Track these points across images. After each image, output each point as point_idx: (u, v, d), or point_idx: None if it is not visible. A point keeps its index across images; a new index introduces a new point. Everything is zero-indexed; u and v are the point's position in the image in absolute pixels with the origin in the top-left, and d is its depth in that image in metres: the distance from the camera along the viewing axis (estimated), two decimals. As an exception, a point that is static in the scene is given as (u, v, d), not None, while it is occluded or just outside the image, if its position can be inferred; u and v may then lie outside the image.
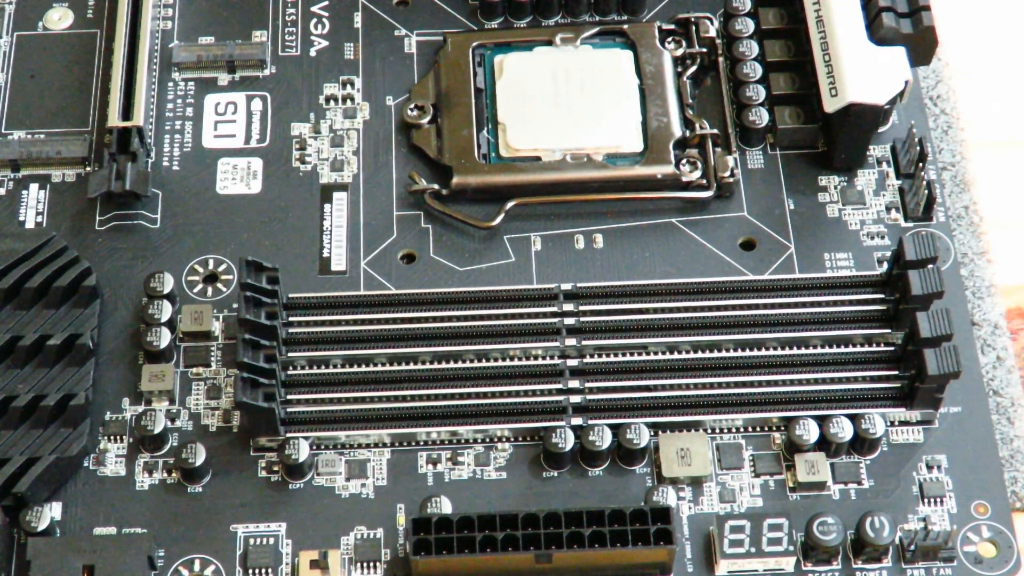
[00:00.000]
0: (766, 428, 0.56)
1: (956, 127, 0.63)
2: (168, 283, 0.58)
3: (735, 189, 0.61)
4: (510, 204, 0.60)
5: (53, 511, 0.54)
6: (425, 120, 0.62)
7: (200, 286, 0.59)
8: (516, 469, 0.55)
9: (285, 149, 0.62)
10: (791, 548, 0.52)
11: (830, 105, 0.59)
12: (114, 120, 0.61)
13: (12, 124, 0.63)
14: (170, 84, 0.64)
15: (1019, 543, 0.54)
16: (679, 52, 0.63)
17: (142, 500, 0.55)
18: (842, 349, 0.56)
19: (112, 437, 0.56)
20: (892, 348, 0.56)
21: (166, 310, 0.57)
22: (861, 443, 0.55)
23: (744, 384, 0.56)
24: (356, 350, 0.56)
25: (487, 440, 0.56)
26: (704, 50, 0.63)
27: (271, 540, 0.54)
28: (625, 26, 0.64)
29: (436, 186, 0.60)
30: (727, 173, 0.60)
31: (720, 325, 0.56)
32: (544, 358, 0.56)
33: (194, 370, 0.57)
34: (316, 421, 0.55)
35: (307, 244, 0.60)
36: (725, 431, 0.56)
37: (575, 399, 0.55)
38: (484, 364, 0.56)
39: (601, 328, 0.56)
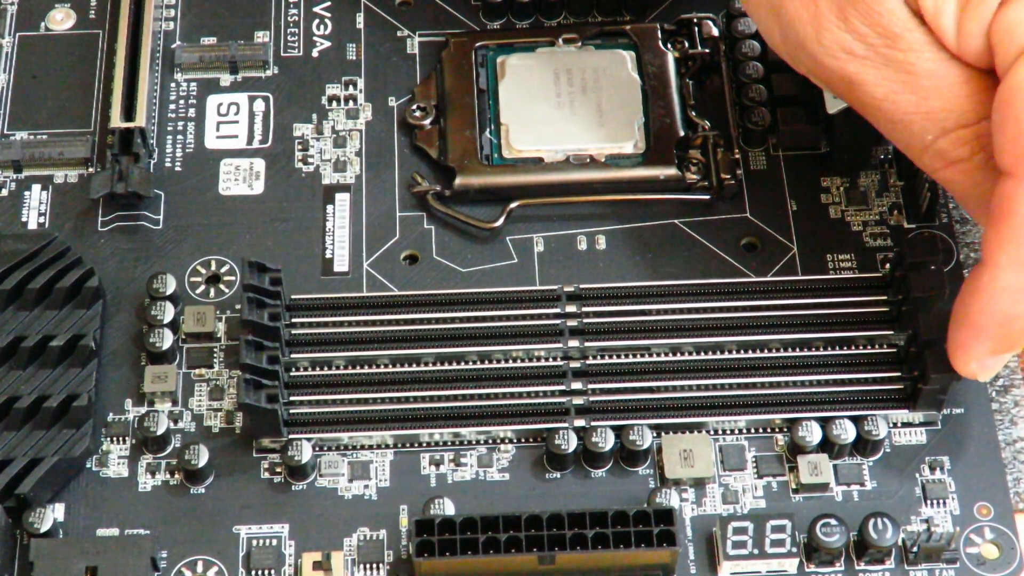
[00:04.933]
0: (769, 430, 0.56)
1: (959, 128, 0.63)
2: (171, 284, 0.58)
3: (738, 190, 0.61)
4: (513, 205, 0.60)
5: (56, 512, 0.54)
6: (428, 121, 0.62)
7: (203, 287, 0.59)
8: (519, 470, 0.55)
9: (287, 150, 0.62)
10: (794, 550, 0.52)
11: (832, 106, 0.59)
12: (116, 121, 0.61)
13: (14, 125, 0.63)
14: (172, 85, 0.64)
15: (1022, 544, 0.54)
16: (681, 53, 0.63)
17: (145, 501, 0.55)
18: (845, 351, 0.56)
19: (115, 438, 0.56)
20: (895, 350, 0.56)
21: (169, 311, 0.57)
22: (864, 444, 0.55)
23: (747, 386, 0.56)
24: (359, 351, 0.56)
25: (490, 441, 0.56)
26: (707, 51, 0.63)
27: (274, 541, 0.54)
28: (627, 27, 0.64)
29: (439, 187, 0.60)
30: (729, 174, 0.60)
31: (723, 327, 0.56)
32: (547, 359, 0.56)
33: (197, 371, 0.57)
34: (319, 423, 0.55)
35: (310, 245, 0.60)
36: (728, 432, 0.56)
37: (578, 401, 0.55)
38: (487, 366, 0.56)
39: (604, 330, 0.56)
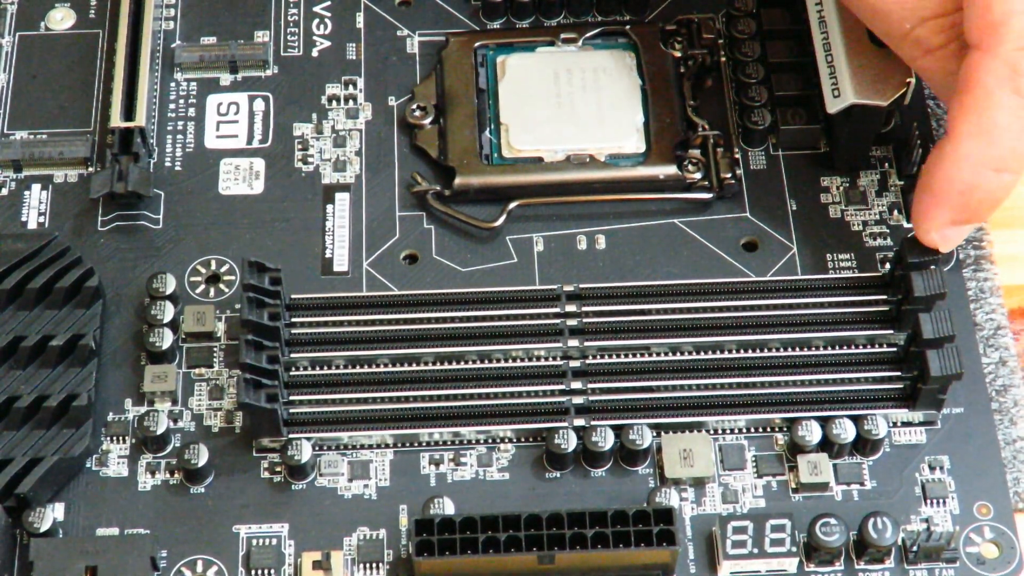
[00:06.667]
0: (768, 429, 0.56)
1: (958, 128, 0.63)
2: (170, 284, 0.58)
3: (737, 190, 0.61)
4: (512, 205, 0.60)
5: (56, 512, 0.54)
6: (427, 121, 0.62)
7: (202, 287, 0.59)
8: (519, 470, 0.55)
9: (287, 149, 0.62)
10: (794, 549, 0.52)
11: (832, 106, 0.59)
12: (116, 120, 0.61)
13: (14, 124, 0.63)
14: (172, 84, 0.64)
15: (1022, 544, 0.54)
16: (681, 53, 0.63)
17: (144, 501, 0.55)
18: (845, 350, 0.56)
19: (114, 438, 0.56)
20: (895, 349, 0.56)
21: (168, 311, 0.57)
22: (864, 444, 0.55)
23: (747, 385, 0.56)
24: (359, 351, 0.56)
25: (490, 441, 0.56)
26: (706, 51, 0.63)
27: (273, 541, 0.54)
28: (628, 27, 0.64)
29: (438, 187, 0.60)
30: (729, 174, 0.60)
31: (723, 326, 0.56)
32: (547, 359, 0.56)
33: (196, 371, 0.57)
34: (318, 422, 0.55)
35: (309, 245, 0.60)
36: (728, 432, 0.56)
37: (578, 400, 0.55)
38: (486, 365, 0.56)
39: (603, 329, 0.56)
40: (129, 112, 0.61)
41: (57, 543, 0.52)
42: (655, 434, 0.55)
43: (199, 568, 0.53)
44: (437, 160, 0.61)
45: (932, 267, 0.55)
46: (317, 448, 0.55)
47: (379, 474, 0.55)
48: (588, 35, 0.64)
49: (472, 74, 0.63)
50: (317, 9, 0.66)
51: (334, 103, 0.63)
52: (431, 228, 0.60)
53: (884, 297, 0.57)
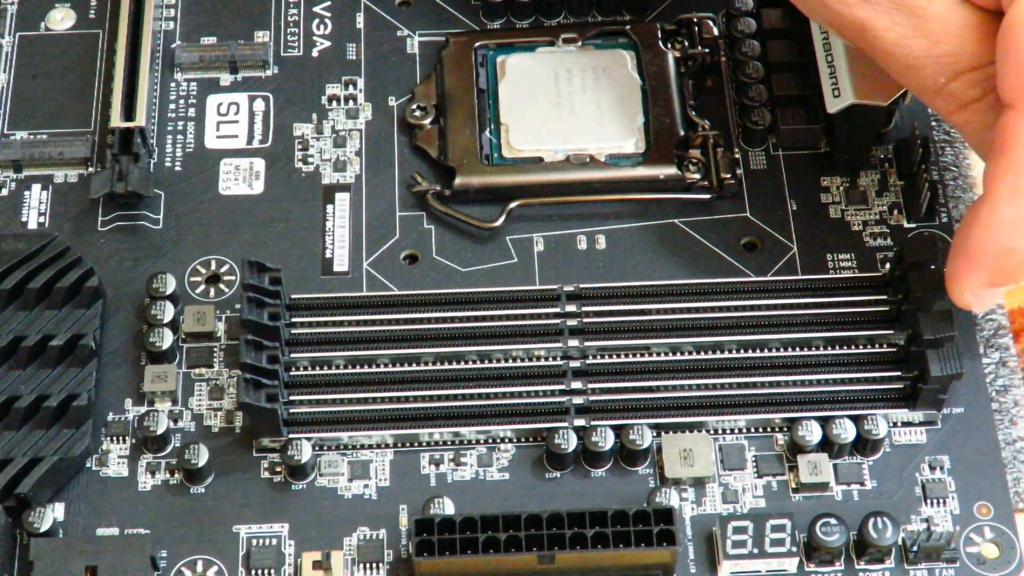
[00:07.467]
0: (769, 429, 0.56)
1: (958, 128, 0.63)
2: (170, 284, 0.58)
3: (737, 190, 0.61)
4: (512, 205, 0.60)
5: (56, 512, 0.54)
6: (427, 121, 0.62)
7: (202, 287, 0.59)
8: (519, 470, 0.55)
9: (287, 150, 0.62)
10: (794, 549, 0.52)
11: (832, 106, 0.59)
12: (116, 120, 0.61)
13: (14, 124, 0.63)
14: (172, 84, 0.64)
15: (1022, 544, 0.54)
16: (681, 53, 0.63)
17: (145, 501, 0.55)
18: (845, 350, 0.56)
19: (115, 438, 0.56)
20: (895, 349, 0.56)
21: (168, 311, 0.57)
22: (864, 444, 0.55)
23: (747, 385, 0.56)
24: (359, 351, 0.56)
25: (490, 441, 0.56)
26: (707, 50, 0.63)
27: (274, 541, 0.54)
28: (628, 26, 0.64)
29: (438, 187, 0.61)
30: (729, 174, 0.60)
31: (723, 326, 0.56)
32: (547, 359, 0.56)
33: (197, 371, 0.57)
34: (319, 422, 0.55)
35: (309, 245, 0.60)
36: (728, 432, 0.56)
37: (578, 400, 0.55)
38: (487, 365, 0.56)
39: (604, 329, 0.56)
40: (129, 112, 0.61)
41: (57, 543, 0.52)
42: (655, 434, 0.55)
43: (199, 568, 0.53)
44: (437, 160, 0.61)
45: (932, 267, 0.55)
46: (317, 448, 0.55)
47: (379, 474, 0.55)
48: (588, 35, 0.64)
49: (472, 74, 0.63)
50: (317, 9, 0.66)
51: (334, 103, 0.63)
52: (431, 228, 0.60)
53: (884, 297, 0.57)
